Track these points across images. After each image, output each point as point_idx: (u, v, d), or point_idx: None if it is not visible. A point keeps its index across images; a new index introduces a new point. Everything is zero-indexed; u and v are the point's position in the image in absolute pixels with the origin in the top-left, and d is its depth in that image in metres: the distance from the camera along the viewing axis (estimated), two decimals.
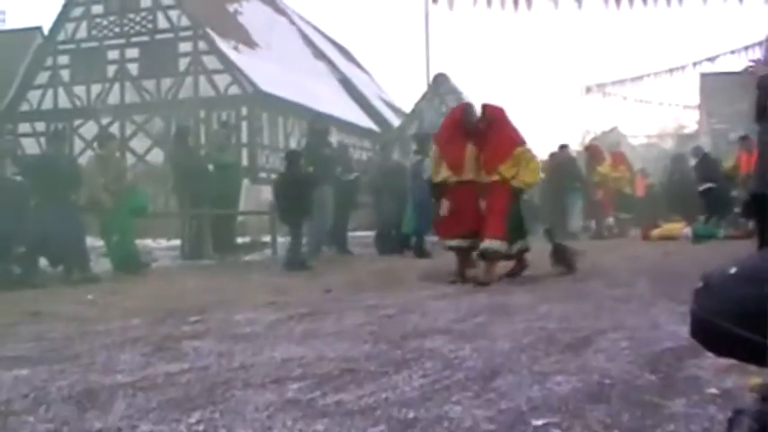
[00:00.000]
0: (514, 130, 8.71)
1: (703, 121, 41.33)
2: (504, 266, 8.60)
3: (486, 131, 8.48)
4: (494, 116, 8.61)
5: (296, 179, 11.88)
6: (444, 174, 8.63)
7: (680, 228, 16.13)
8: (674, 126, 49.93)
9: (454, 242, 8.61)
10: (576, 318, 5.27)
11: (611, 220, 18.76)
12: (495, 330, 4.83)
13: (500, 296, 6.64)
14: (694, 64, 30.95)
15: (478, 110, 8.81)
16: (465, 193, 8.49)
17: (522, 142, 8.59)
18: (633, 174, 20.86)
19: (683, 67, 31.16)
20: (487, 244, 8.16)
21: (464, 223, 8.47)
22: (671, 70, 31.52)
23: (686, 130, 47.08)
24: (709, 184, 16.00)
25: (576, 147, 30.30)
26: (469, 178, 8.51)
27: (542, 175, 14.97)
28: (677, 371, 3.66)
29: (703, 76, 36.31)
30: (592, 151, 20.07)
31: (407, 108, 34.98)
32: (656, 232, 16.10)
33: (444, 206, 8.65)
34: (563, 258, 8.85)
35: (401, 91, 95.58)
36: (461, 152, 8.54)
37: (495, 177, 8.33)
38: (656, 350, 4.09)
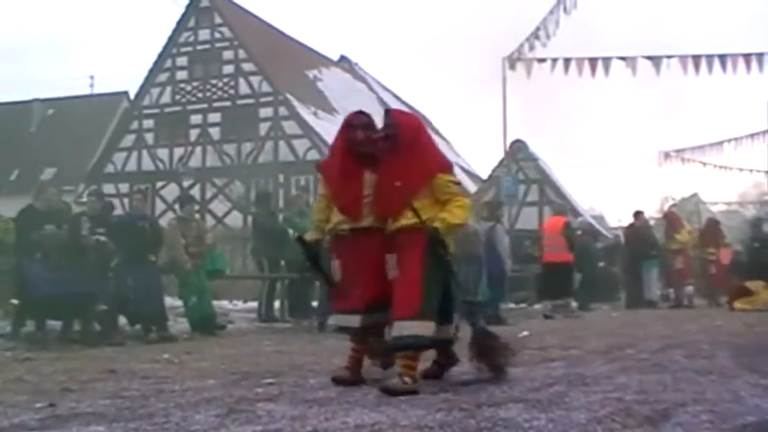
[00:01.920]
0: (434, 149, 5.96)
1: None
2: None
3: (393, 152, 5.63)
4: (402, 126, 5.74)
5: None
6: (335, 220, 5.87)
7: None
8: (756, 192, 48.98)
9: (344, 318, 5.85)
10: (654, 389, 5.15)
11: (690, 288, 18.40)
12: (571, 401, 4.75)
13: (576, 366, 6.53)
14: None
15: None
16: (365, 246, 5.67)
17: (445, 166, 5.84)
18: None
19: (764, 133, 30.75)
20: (397, 330, 5.38)
21: (363, 292, 5.61)
22: (752, 135, 31.16)
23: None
24: None
25: (655, 214, 29.92)
26: (370, 224, 5.73)
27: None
28: None
29: None
30: (670, 218, 19.81)
31: (485, 174, 35.09)
32: (738, 304, 15.72)
33: (335, 267, 5.91)
34: (485, 353, 5.80)
35: (478, 157, 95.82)
36: (357, 186, 5.72)
37: (406, 221, 5.52)
38: (738, 424, 3.98)
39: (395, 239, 5.58)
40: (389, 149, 5.62)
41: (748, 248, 18.78)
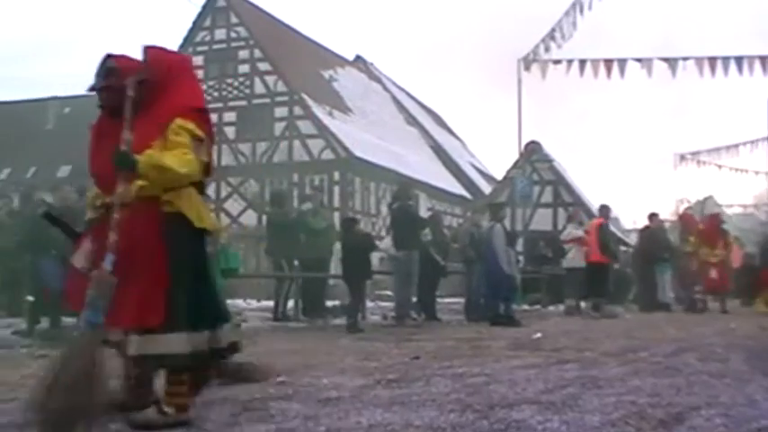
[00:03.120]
0: (188, 90, 4.49)
1: None
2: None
3: (148, 101, 4.28)
4: (152, 64, 4.40)
5: (354, 244, 12.27)
6: (90, 195, 4.56)
7: None
8: None
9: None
10: (668, 392, 5.15)
11: None
12: (585, 403, 4.75)
13: (590, 368, 6.52)
14: None
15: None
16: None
17: (188, 111, 4.32)
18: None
19: None
20: (140, 346, 4.05)
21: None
22: None
23: None
24: None
25: (670, 216, 29.85)
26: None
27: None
28: None
29: None
30: (685, 221, 19.74)
31: (499, 175, 35.09)
32: (762, 306, 15.67)
33: (79, 256, 4.30)
34: None
35: (493, 158, 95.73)
36: (109, 151, 4.17)
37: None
38: (752, 428, 3.97)
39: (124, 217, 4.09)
40: (142, 98, 4.27)
41: (763, 251, 18.65)
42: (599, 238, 15.27)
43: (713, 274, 16.95)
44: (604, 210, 17.13)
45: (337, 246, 13.94)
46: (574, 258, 16.93)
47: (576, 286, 17.03)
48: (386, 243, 14.63)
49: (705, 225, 18.07)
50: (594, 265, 15.26)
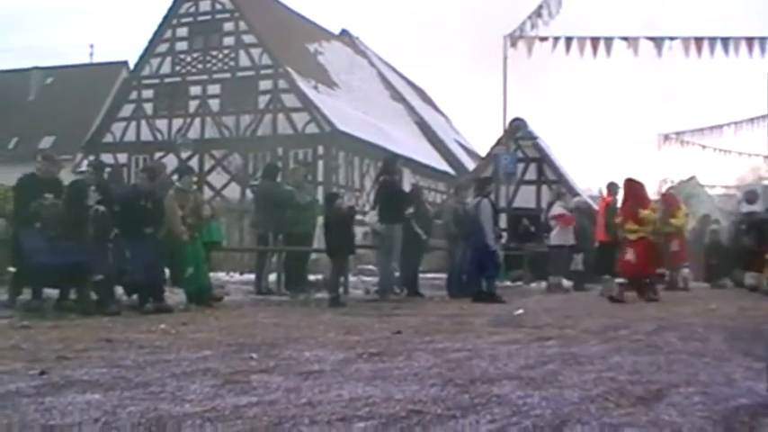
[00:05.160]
0: None
1: None
2: None
3: None
4: None
5: (337, 219, 12.27)
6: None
7: None
8: (754, 177, 48.94)
9: None
10: (648, 370, 5.18)
11: (686, 270, 18.35)
12: (565, 379, 4.77)
13: (571, 345, 6.55)
14: None
15: None
16: None
17: None
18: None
19: (764, 117, 30.67)
20: None
21: None
22: (752, 120, 31.06)
23: (766, 182, 46.12)
24: None
25: (653, 196, 29.91)
26: None
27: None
28: (751, 429, 3.57)
29: None
30: (668, 201, 19.73)
31: (483, 152, 35.02)
32: None
33: None
34: None
35: (477, 135, 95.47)
36: None
37: None
38: (730, 407, 4.00)
39: None
40: None
41: (736, 229, 18.60)
42: (606, 218, 15.17)
43: (629, 254, 13.30)
44: (613, 187, 16.27)
45: (320, 220, 13.91)
46: (558, 236, 16.96)
47: (560, 264, 17.07)
48: (370, 217, 14.58)
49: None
50: (601, 244, 15.22)
